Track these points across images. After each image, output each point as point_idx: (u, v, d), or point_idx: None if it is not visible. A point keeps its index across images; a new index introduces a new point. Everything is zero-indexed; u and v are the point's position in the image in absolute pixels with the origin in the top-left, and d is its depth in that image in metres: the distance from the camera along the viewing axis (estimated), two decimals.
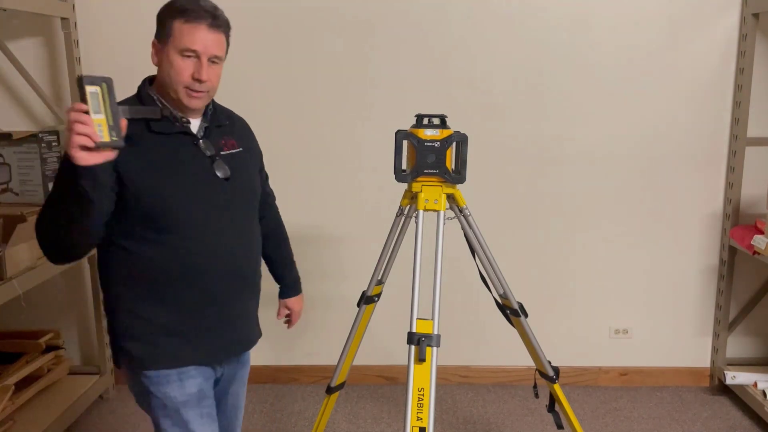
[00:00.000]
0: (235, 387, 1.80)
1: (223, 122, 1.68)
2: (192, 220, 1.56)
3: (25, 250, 2.37)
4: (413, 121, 1.92)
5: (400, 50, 2.86)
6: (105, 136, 1.31)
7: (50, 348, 2.86)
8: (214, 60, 1.55)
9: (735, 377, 2.92)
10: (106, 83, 1.32)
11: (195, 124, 1.61)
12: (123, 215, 1.52)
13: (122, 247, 1.55)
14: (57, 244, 1.47)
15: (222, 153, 1.63)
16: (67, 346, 3.07)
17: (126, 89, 2.86)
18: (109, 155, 1.33)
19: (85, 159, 1.29)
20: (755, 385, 2.85)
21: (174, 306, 1.58)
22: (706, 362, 3.13)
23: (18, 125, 2.91)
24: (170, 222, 1.54)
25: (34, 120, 2.93)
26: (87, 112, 1.28)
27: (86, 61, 2.84)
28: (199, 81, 1.53)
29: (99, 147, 1.30)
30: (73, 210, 1.39)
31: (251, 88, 2.85)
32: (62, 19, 2.71)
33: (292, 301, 2.00)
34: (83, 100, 1.29)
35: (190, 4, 1.52)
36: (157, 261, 1.54)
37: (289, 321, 2.03)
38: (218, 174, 1.60)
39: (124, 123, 1.34)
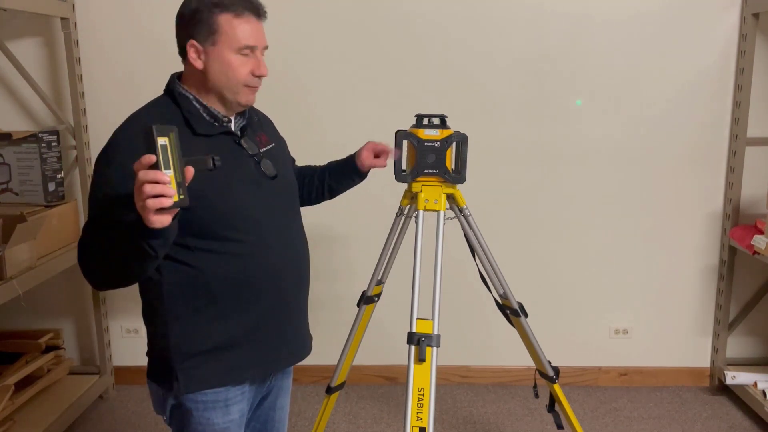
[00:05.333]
0: (282, 400, 1.73)
1: (254, 118, 1.60)
2: (251, 225, 1.47)
3: (25, 250, 2.37)
4: (413, 121, 1.92)
5: (400, 50, 2.85)
6: (175, 195, 1.16)
7: (50, 348, 2.87)
8: (263, 51, 1.48)
9: (735, 377, 2.92)
10: (174, 133, 1.18)
11: (232, 123, 1.53)
12: (179, 228, 1.39)
13: (173, 259, 1.43)
14: (107, 283, 1.39)
15: (261, 150, 1.55)
16: (67, 346, 3.07)
17: (126, 89, 2.88)
18: (174, 211, 1.20)
19: (160, 221, 1.17)
20: (755, 385, 2.85)
21: (238, 317, 1.48)
22: (706, 362, 3.13)
23: (18, 125, 2.91)
24: (229, 230, 1.44)
25: (34, 120, 2.93)
26: (156, 167, 1.14)
27: (86, 61, 2.84)
28: (260, 76, 1.45)
29: (172, 207, 1.17)
30: (133, 265, 1.30)
31: None
32: (62, 19, 2.71)
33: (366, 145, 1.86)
34: (153, 153, 1.14)
35: None
36: (216, 271, 1.44)
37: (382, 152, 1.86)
38: (266, 173, 1.52)
39: (190, 173, 1.21)
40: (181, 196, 1.18)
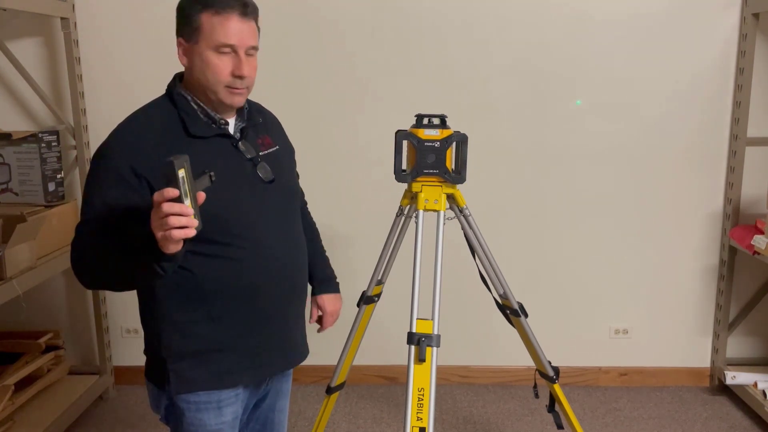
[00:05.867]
0: (281, 402, 1.73)
1: (257, 119, 1.56)
2: (245, 230, 1.45)
3: (25, 250, 2.36)
4: (413, 121, 1.92)
5: (400, 50, 2.85)
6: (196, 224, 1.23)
7: (50, 348, 2.86)
8: (251, 52, 1.43)
9: (735, 377, 2.92)
10: (187, 162, 1.21)
11: (231, 125, 1.50)
12: None
13: None
14: (101, 287, 1.46)
15: (261, 153, 1.52)
16: (67, 346, 3.07)
17: (126, 89, 2.87)
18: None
19: (176, 247, 1.23)
20: (755, 385, 2.85)
21: (229, 321, 1.48)
22: (706, 362, 3.13)
23: (18, 125, 2.90)
24: (222, 234, 1.43)
25: (33, 120, 2.92)
26: (179, 199, 1.18)
27: (86, 61, 2.84)
28: (241, 77, 1.41)
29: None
30: (139, 281, 1.38)
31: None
32: (62, 19, 2.71)
33: (324, 299, 1.81)
34: (175, 185, 1.18)
35: None
36: (208, 274, 1.44)
37: (320, 323, 1.84)
38: (262, 177, 1.49)
39: (201, 198, 1.25)
40: (197, 222, 1.23)
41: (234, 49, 1.40)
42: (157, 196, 1.19)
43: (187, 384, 1.49)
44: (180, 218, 1.18)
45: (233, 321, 1.49)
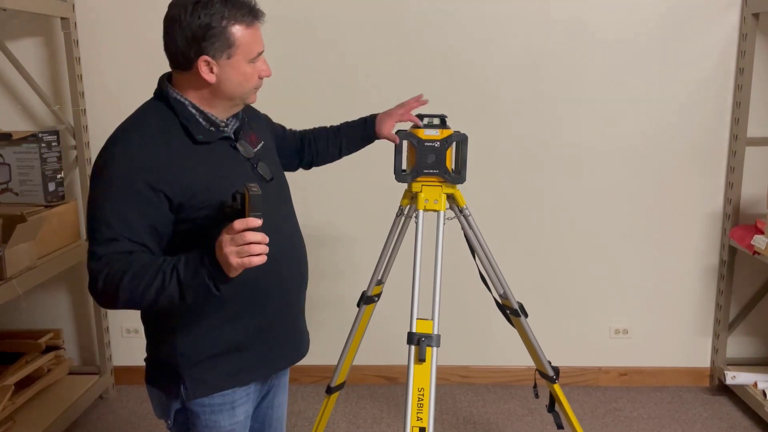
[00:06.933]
0: (279, 397, 1.73)
1: (245, 118, 1.56)
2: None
3: (25, 250, 2.37)
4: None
5: (400, 50, 2.85)
6: None
7: (50, 348, 2.87)
8: None
9: (735, 377, 2.92)
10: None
11: (228, 126, 1.51)
12: (181, 239, 1.40)
13: None
14: (134, 308, 1.39)
15: (254, 151, 1.53)
16: (67, 346, 3.07)
17: (126, 89, 2.87)
18: None
19: (240, 270, 1.27)
20: (755, 385, 2.85)
21: (246, 321, 1.48)
22: (706, 362, 3.13)
23: (18, 125, 2.90)
24: None
25: (34, 120, 2.92)
26: (258, 228, 1.24)
27: (86, 61, 2.84)
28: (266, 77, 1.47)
29: None
30: (188, 300, 1.33)
31: None
32: (62, 19, 2.71)
33: (385, 113, 1.91)
34: (258, 215, 1.24)
35: (237, 4, 1.37)
36: None
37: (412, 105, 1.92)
38: (263, 176, 1.50)
39: (258, 223, 1.27)
40: (268, 248, 1.28)
41: (260, 55, 1.45)
42: (239, 224, 1.23)
43: (205, 388, 1.48)
44: (259, 246, 1.24)
45: (249, 319, 1.49)
